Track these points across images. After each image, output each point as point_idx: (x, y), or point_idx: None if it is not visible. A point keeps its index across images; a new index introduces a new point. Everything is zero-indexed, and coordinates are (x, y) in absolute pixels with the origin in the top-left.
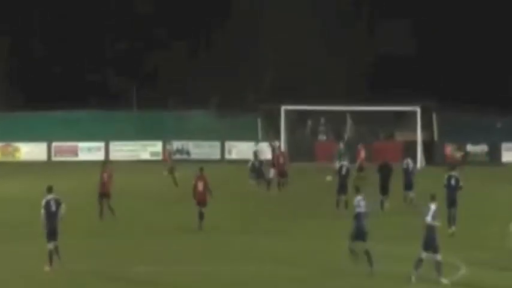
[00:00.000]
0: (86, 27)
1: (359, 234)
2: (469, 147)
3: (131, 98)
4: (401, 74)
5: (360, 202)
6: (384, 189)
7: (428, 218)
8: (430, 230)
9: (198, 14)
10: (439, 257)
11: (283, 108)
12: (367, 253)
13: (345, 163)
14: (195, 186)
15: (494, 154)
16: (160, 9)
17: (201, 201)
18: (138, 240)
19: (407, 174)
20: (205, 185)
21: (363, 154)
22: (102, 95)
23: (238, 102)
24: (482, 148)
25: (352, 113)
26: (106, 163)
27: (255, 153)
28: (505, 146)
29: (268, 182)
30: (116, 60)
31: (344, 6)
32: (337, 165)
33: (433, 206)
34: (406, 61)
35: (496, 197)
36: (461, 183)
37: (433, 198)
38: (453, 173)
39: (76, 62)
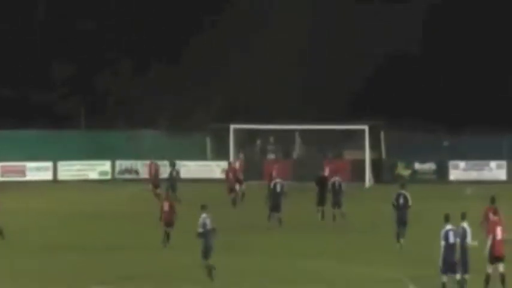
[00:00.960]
0: (34, 47)
1: (207, 251)
2: (417, 166)
3: (80, 118)
4: (350, 93)
5: (205, 220)
6: (322, 201)
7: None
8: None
9: (147, 34)
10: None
11: (232, 127)
12: (211, 268)
13: (279, 180)
14: (162, 207)
15: (441, 172)
16: (110, 28)
17: (167, 221)
18: (93, 259)
19: (335, 192)
20: (171, 206)
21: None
22: (50, 115)
23: (187, 121)
24: (430, 166)
25: (301, 132)
26: None
27: (173, 164)
28: (452, 164)
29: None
30: (64, 80)
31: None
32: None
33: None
34: (355, 82)
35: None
36: (410, 202)
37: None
38: (402, 191)
39: (23, 81)
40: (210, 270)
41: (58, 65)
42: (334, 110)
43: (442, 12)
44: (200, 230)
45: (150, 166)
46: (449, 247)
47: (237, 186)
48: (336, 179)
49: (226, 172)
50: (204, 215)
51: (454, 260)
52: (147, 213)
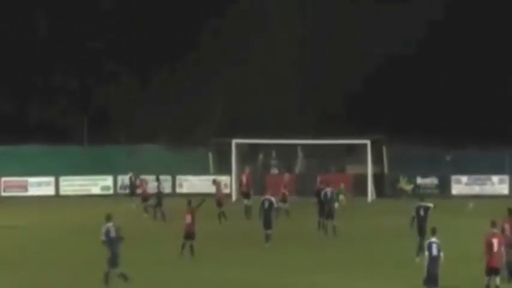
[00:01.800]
0: (35, 60)
1: (114, 259)
2: (419, 180)
3: (81, 133)
4: (352, 107)
5: (109, 229)
6: (321, 212)
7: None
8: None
9: (149, 49)
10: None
11: (234, 141)
12: (122, 276)
13: (268, 197)
14: (184, 219)
15: (443, 187)
16: (111, 43)
17: (188, 234)
18: (95, 274)
19: (328, 203)
20: (193, 218)
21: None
22: (52, 130)
23: (189, 136)
24: (432, 181)
25: (303, 146)
26: None
27: (158, 178)
28: (454, 178)
29: (163, 213)
30: (66, 95)
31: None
32: None
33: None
34: (356, 95)
35: (446, 229)
36: (431, 205)
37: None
38: (422, 203)
39: (26, 96)
40: (107, 279)
41: (59, 78)
42: (334, 116)
43: (442, 13)
44: (103, 238)
45: (142, 183)
46: (433, 259)
47: (245, 201)
48: (328, 189)
49: (217, 186)
50: (108, 225)
51: (436, 272)
52: (149, 228)
